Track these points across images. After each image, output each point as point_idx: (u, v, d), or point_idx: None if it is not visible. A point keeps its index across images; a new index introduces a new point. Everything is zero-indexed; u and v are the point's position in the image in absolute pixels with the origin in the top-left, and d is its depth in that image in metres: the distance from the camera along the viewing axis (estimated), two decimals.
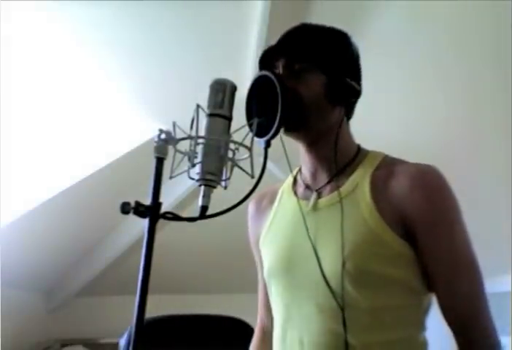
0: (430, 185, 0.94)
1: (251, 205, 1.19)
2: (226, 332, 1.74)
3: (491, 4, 1.98)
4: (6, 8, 1.97)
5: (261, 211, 1.15)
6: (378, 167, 1.00)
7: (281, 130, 0.98)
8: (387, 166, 0.99)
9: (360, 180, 0.99)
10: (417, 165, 0.97)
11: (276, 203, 1.12)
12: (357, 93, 1.01)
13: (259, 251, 1.13)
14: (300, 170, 1.12)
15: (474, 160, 2.74)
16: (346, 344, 0.91)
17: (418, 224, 0.92)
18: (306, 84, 0.99)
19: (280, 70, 1.02)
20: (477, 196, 2.60)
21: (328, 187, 1.02)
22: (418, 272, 0.95)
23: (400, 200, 0.93)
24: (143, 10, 2.14)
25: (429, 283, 0.95)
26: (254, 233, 1.16)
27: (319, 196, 1.03)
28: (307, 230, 1.00)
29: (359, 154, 1.04)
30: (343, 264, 0.92)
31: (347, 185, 1.00)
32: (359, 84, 1.04)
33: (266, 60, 1.05)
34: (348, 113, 1.06)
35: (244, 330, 1.63)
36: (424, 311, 0.98)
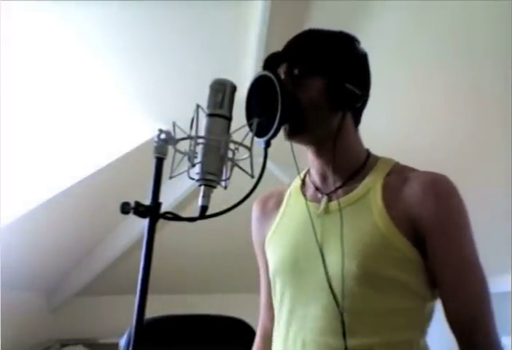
0: (443, 192, 0.95)
1: (255, 206, 1.19)
2: (226, 332, 1.74)
3: (492, 3, 1.98)
4: (6, 8, 1.97)
5: (267, 212, 1.16)
6: (389, 173, 1.01)
7: (283, 136, 0.99)
8: (399, 173, 1.01)
9: (372, 185, 1.00)
10: (430, 173, 0.99)
11: (283, 204, 1.12)
12: (357, 99, 1.01)
13: (263, 251, 1.13)
14: (308, 172, 1.12)
15: (474, 159, 2.74)
16: (345, 345, 0.91)
17: (428, 229, 0.94)
18: (305, 88, 0.99)
19: (282, 76, 1.02)
20: (477, 196, 2.60)
21: (339, 191, 1.03)
22: (424, 277, 0.96)
23: (412, 206, 0.95)
24: (144, 10, 2.14)
25: (436, 287, 0.97)
26: (259, 234, 1.16)
27: (330, 199, 1.03)
28: (315, 232, 1.00)
29: (369, 160, 1.05)
30: (343, 266, 0.93)
31: (359, 189, 1.01)
32: (366, 90, 1.04)
33: (269, 66, 1.04)
34: (355, 119, 1.06)
35: (244, 330, 1.63)
36: (427, 317, 0.99)
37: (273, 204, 1.15)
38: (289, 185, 1.16)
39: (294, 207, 1.10)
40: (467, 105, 2.51)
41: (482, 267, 0.95)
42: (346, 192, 1.02)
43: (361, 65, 1.05)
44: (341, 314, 0.93)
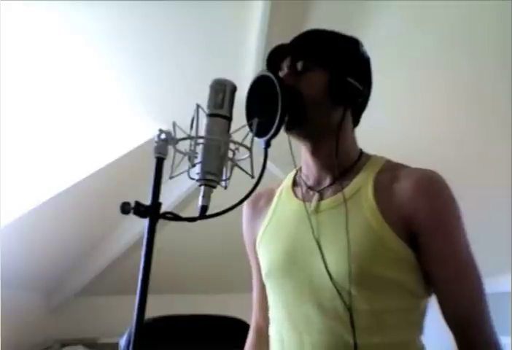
0: (434, 189, 0.94)
1: (246, 206, 1.18)
2: (226, 332, 1.74)
3: (495, 2, 1.98)
4: (6, 8, 1.97)
5: (257, 211, 1.15)
6: (380, 171, 1.00)
7: (283, 129, 0.98)
8: (390, 170, 1.00)
9: (363, 183, 0.99)
10: (420, 170, 0.98)
11: (273, 203, 1.11)
12: (359, 94, 1.01)
13: (255, 251, 1.13)
14: (299, 170, 1.11)
15: (475, 159, 2.74)
16: (355, 345, 0.91)
17: (421, 227, 0.93)
18: (307, 81, 1.00)
19: (285, 70, 1.02)
20: (477, 196, 2.60)
21: (330, 189, 1.02)
22: (418, 276, 0.96)
23: (403, 204, 0.94)
24: (143, 10, 2.14)
25: (431, 286, 0.96)
26: (251, 233, 1.15)
27: (321, 198, 1.03)
28: (312, 231, 0.99)
29: (361, 158, 1.04)
30: (350, 266, 0.92)
31: (350, 188, 1.00)
32: (368, 89, 1.05)
33: (273, 60, 1.05)
34: (355, 118, 1.07)
35: (244, 330, 1.62)
36: (422, 314, 0.99)
37: (263, 203, 1.14)
38: (279, 183, 1.15)
39: (284, 206, 1.09)
40: (469, 105, 2.51)
41: (477, 265, 0.95)
42: (337, 191, 1.01)
43: (364, 65, 1.06)
44: (350, 312, 0.92)
